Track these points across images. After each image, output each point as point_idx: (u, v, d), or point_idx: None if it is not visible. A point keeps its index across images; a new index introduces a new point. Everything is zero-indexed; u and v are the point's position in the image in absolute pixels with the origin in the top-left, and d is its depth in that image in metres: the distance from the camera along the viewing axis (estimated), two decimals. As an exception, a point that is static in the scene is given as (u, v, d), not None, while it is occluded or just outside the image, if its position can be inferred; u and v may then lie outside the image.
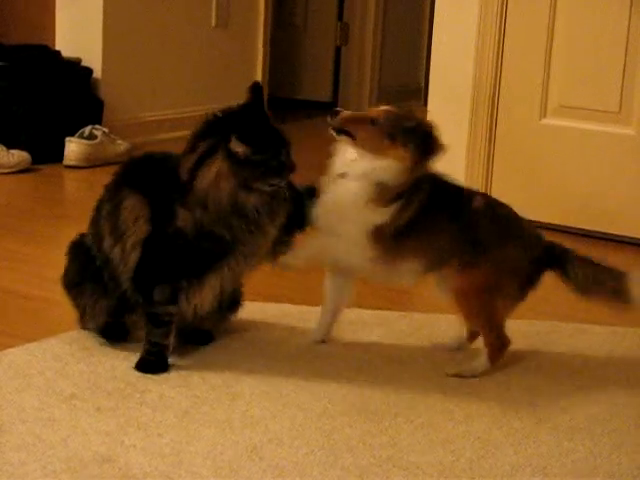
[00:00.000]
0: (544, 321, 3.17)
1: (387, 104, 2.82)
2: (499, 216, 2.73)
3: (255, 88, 2.72)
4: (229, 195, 2.55)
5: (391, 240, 2.67)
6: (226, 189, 2.55)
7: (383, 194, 2.66)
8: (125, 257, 2.63)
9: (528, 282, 2.70)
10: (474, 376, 2.70)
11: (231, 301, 2.80)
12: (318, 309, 2.90)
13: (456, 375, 2.70)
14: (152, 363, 2.60)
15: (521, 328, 3.04)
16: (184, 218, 2.58)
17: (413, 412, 2.47)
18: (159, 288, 2.61)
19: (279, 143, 2.63)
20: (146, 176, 2.68)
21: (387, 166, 2.66)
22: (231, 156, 2.53)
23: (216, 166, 2.56)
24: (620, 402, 2.62)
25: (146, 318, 2.64)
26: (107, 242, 2.66)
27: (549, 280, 3.55)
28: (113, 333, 2.74)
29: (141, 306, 2.65)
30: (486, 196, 2.82)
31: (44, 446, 2.22)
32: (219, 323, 2.83)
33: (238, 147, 2.52)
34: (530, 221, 2.78)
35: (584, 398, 2.64)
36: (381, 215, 2.65)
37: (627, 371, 2.83)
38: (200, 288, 2.64)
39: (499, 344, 2.72)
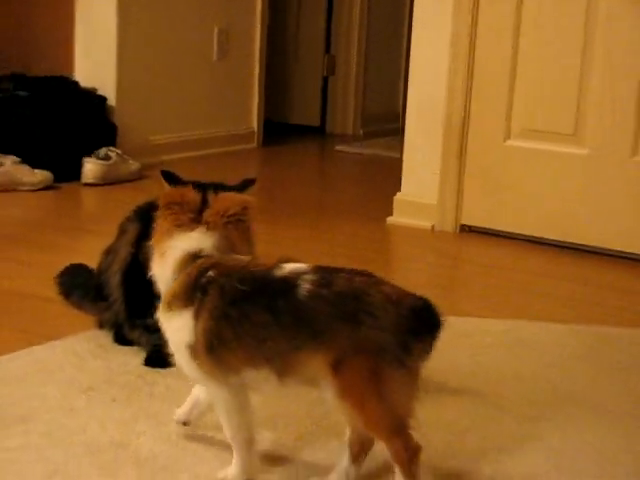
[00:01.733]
0: (511, 319, 3.18)
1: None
2: (346, 295, 1.92)
3: (248, 180, 2.66)
4: None
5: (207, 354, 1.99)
6: None
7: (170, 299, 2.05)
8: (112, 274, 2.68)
9: (403, 354, 1.90)
10: None
11: None
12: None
13: None
14: (158, 359, 2.60)
15: (491, 327, 3.07)
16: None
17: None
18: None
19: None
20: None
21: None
22: None
23: None
24: (585, 396, 2.64)
25: (141, 327, 2.66)
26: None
27: (514, 283, 3.59)
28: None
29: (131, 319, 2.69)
30: (325, 275, 1.97)
31: (66, 432, 2.23)
32: None
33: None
34: (402, 291, 1.96)
35: (551, 392, 2.65)
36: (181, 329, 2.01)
37: (590, 365, 2.84)
38: None
39: (409, 453, 1.94)
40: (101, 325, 2.77)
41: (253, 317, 1.95)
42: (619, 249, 3.97)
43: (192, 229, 2.06)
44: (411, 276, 3.79)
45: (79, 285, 2.80)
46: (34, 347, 2.70)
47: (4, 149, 4.70)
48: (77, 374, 2.55)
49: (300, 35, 6.88)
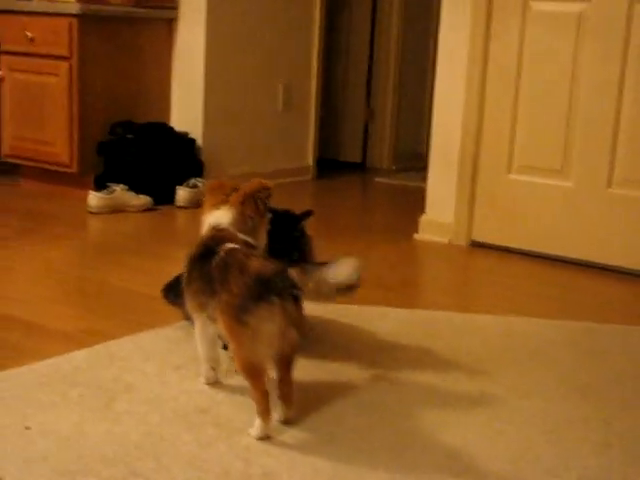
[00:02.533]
0: (506, 316, 3.17)
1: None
2: (226, 265, 2.07)
3: (308, 211, 2.68)
4: None
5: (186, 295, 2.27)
6: None
7: None
8: None
9: (243, 315, 1.99)
10: (260, 438, 2.05)
11: None
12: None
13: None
14: None
15: (490, 322, 3.05)
16: None
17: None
18: None
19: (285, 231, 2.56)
20: None
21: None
22: None
23: None
24: (564, 375, 2.63)
25: None
26: None
27: (512, 286, 3.57)
28: None
29: None
30: (230, 250, 2.12)
31: (160, 400, 2.25)
32: None
33: None
34: (261, 264, 2.07)
35: (536, 372, 2.64)
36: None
37: (568, 352, 2.83)
38: None
39: (255, 395, 2.06)
40: (187, 317, 2.78)
41: (194, 274, 2.19)
42: (598, 261, 3.94)
43: (219, 208, 2.27)
44: (432, 279, 3.79)
45: (173, 286, 2.80)
46: (137, 334, 2.74)
47: (116, 179, 4.74)
48: (170, 355, 2.57)
49: (346, 92, 6.89)
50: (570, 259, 4.01)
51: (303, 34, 5.87)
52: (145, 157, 4.87)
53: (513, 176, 4.15)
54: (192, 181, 4.91)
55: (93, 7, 4.78)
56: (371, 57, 6.79)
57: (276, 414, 2.14)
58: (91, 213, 4.56)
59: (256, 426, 2.07)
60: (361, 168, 6.79)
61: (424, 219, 4.40)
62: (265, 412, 2.06)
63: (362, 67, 6.82)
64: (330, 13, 6.40)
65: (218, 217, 2.27)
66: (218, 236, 2.22)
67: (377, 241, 4.31)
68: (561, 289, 3.61)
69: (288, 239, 2.55)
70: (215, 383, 2.37)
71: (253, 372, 2.05)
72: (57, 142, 4.89)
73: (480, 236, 4.26)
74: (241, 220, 2.26)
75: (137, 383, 2.35)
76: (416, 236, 4.38)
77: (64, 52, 4.77)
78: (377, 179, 6.27)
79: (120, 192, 4.66)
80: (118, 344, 2.64)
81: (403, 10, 6.65)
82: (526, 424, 2.24)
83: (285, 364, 2.10)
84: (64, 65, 4.79)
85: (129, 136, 4.85)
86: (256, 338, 2.01)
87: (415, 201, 4.88)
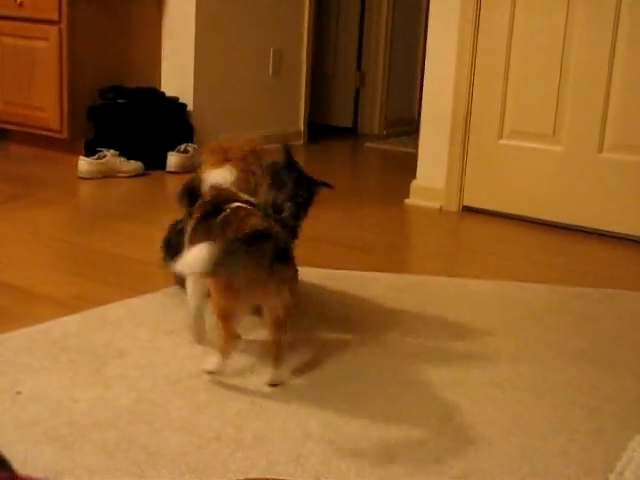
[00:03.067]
0: (499, 280, 3.17)
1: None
2: (228, 222, 2.10)
3: (327, 184, 2.67)
4: None
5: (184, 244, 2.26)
6: None
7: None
8: None
9: (230, 274, 2.02)
10: (211, 371, 2.15)
11: None
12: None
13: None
14: None
15: (482, 287, 3.04)
16: None
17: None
18: None
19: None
20: None
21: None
22: None
23: None
24: (560, 342, 2.63)
25: None
26: None
27: (503, 251, 3.57)
28: None
29: None
30: (235, 208, 2.16)
31: (152, 366, 2.24)
32: None
33: None
34: (256, 223, 2.09)
35: (530, 339, 2.64)
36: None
37: (563, 317, 2.82)
38: None
39: (221, 332, 2.13)
40: (179, 282, 2.76)
41: (200, 229, 2.18)
42: (589, 225, 3.95)
43: (219, 167, 2.30)
44: (423, 244, 3.78)
45: (170, 246, 2.75)
46: (129, 299, 2.72)
47: (106, 144, 4.71)
48: (162, 320, 2.56)
49: (337, 56, 6.86)
50: (561, 224, 4.01)
51: (294, -2, 5.83)
52: (136, 122, 4.84)
53: (504, 141, 4.14)
54: (183, 146, 4.89)
55: (82, -30, 4.72)
56: (362, 21, 6.75)
57: (266, 376, 2.15)
58: (81, 178, 4.54)
59: (212, 358, 2.12)
60: (352, 133, 6.77)
61: (415, 184, 4.39)
62: (225, 348, 2.11)
63: (353, 31, 6.78)
64: (321, -23, 6.35)
65: (218, 176, 2.30)
66: (222, 195, 2.23)
67: (368, 206, 4.30)
68: (552, 254, 3.61)
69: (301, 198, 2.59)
70: (203, 341, 2.36)
71: (224, 316, 2.09)
72: (47, 107, 4.85)
73: (471, 201, 4.26)
74: (242, 178, 2.29)
75: (129, 348, 2.34)
76: (407, 201, 4.37)
77: (53, 16, 4.72)
78: (368, 144, 6.25)
79: (111, 157, 4.63)
80: (109, 309, 2.63)
81: (394, -26, 6.60)
82: (517, 389, 2.23)
83: (277, 326, 2.11)
84: (53, 29, 4.74)
85: (120, 101, 4.82)
86: (231, 290, 2.05)
87: (406, 166, 4.87)
